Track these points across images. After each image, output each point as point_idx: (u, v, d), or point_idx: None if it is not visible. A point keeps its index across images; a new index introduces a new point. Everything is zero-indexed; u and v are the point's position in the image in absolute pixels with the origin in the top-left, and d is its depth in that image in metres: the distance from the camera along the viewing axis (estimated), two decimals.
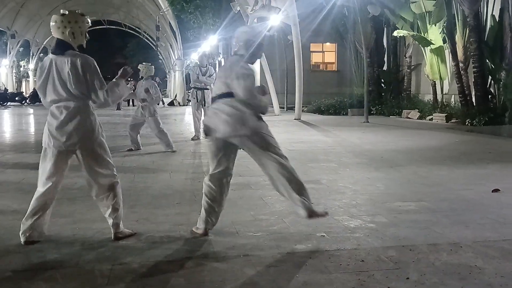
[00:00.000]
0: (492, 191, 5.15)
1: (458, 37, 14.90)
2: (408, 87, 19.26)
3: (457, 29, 14.89)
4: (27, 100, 31.05)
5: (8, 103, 29.72)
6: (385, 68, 20.20)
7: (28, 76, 42.19)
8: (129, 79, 7.23)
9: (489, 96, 14.00)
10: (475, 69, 13.73)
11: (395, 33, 16.97)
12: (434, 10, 15.50)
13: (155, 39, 39.40)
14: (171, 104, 29.66)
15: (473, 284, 2.81)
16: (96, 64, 3.54)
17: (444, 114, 14.79)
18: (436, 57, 16.22)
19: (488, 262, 3.13)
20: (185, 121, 16.81)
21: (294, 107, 16.79)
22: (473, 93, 14.28)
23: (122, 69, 3.79)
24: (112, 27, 46.26)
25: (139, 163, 7.34)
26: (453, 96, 16.14)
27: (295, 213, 3.64)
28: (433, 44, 15.94)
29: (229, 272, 3.00)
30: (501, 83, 13.38)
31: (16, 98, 31.05)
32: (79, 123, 3.48)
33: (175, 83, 34.72)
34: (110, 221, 3.64)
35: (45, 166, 3.55)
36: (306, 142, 10.05)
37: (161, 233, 3.78)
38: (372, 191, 5.30)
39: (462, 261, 3.15)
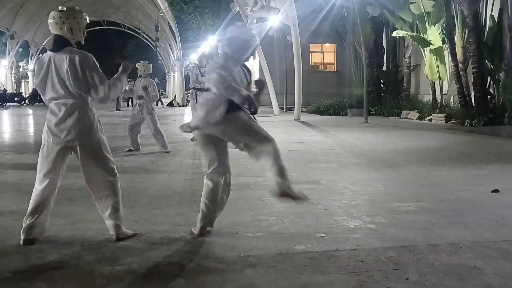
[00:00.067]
0: (492, 192, 5.15)
1: (457, 38, 14.91)
2: (408, 87, 19.28)
3: (456, 29, 14.89)
4: (26, 101, 31.05)
5: (7, 104, 29.73)
6: (384, 68, 20.20)
7: (27, 77, 42.17)
8: (129, 79, 7.23)
9: (489, 96, 14.00)
10: (474, 70, 13.73)
11: (394, 34, 16.99)
12: (433, 11, 15.51)
13: (154, 40, 39.36)
14: (171, 104, 29.63)
15: (472, 285, 2.81)
16: (95, 59, 3.53)
17: (443, 115, 14.79)
18: (435, 57, 16.22)
19: (487, 262, 3.14)
20: (184, 121, 16.77)
21: (294, 107, 16.81)
22: (472, 94, 14.28)
23: (122, 64, 3.79)
24: (111, 27, 46.24)
25: (139, 164, 7.35)
26: (452, 96, 16.13)
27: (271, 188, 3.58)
28: (432, 44, 15.94)
29: (228, 273, 3.00)
30: (500, 83, 13.39)
31: (15, 99, 31.05)
32: (78, 119, 3.48)
33: (174, 84, 34.68)
34: (109, 222, 3.61)
35: (43, 163, 3.55)
36: (306, 142, 10.05)
37: (161, 233, 3.78)
38: (371, 192, 5.30)
39: (461, 262, 3.15)
